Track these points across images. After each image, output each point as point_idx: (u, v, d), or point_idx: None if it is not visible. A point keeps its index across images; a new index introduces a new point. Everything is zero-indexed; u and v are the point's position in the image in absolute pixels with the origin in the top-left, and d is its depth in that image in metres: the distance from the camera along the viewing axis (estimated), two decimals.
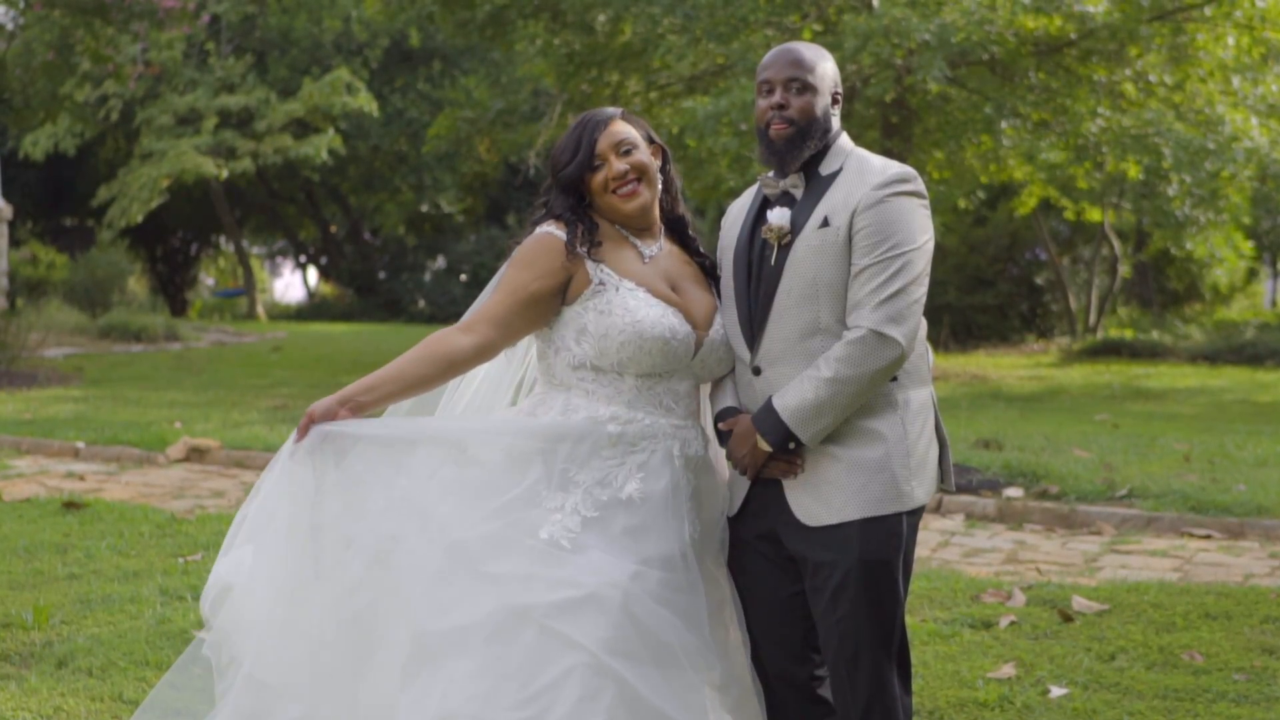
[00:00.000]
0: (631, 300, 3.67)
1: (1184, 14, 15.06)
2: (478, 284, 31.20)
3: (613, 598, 3.46)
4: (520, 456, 3.62)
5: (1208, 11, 15.05)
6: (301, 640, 3.61)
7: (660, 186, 3.83)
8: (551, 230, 3.71)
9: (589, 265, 3.69)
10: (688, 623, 3.56)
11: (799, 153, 3.68)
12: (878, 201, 3.58)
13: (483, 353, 3.68)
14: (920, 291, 3.58)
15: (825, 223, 3.62)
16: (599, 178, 3.73)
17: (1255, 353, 20.53)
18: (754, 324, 3.70)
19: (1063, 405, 15.26)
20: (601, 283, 3.68)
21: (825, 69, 3.72)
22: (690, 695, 3.50)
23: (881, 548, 3.60)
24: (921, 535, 8.04)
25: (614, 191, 3.73)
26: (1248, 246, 20.78)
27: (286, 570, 3.59)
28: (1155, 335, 22.10)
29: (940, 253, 21.31)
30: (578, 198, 3.75)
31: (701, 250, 3.93)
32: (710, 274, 3.90)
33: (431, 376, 3.65)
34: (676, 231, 3.91)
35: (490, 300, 3.70)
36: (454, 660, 3.43)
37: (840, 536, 3.59)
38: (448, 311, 32.17)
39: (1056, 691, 5.26)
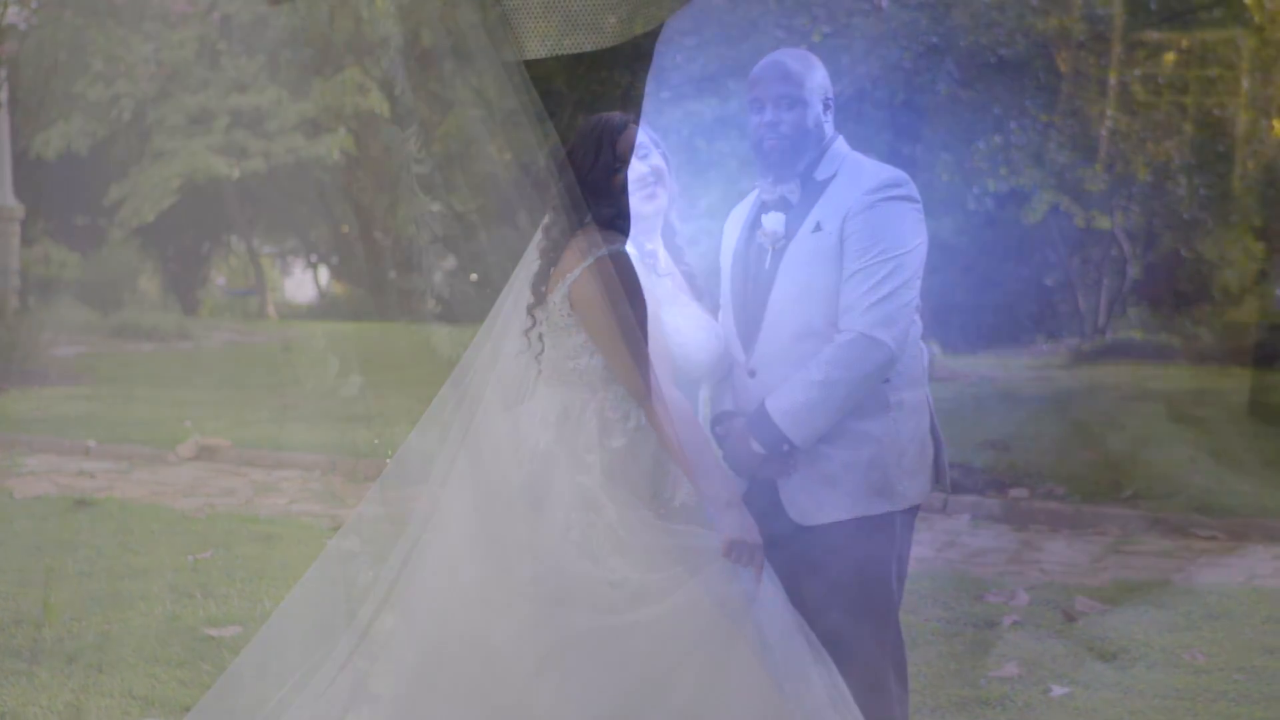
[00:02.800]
0: (681, 320, 3.71)
1: (1193, 15, 15.02)
2: (490, 285, 31.13)
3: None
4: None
5: (1216, 13, 15.01)
6: None
7: None
8: (623, 250, 3.62)
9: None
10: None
11: (794, 164, 3.74)
12: (868, 206, 3.62)
13: None
14: (911, 295, 3.61)
15: (818, 227, 3.66)
16: (618, 179, 3.73)
17: (1264, 354, 20.43)
18: (749, 327, 3.75)
19: (1071, 406, 15.23)
20: (658, 299, 3.70)
21: (814, 79, 3.75)
22: None
23: (874, 546, 3.64)
24: (926, 535, 8.05)
25: (634, 193, 3.74)
26: (1258, 248, 20.71)
27: None
28: (1164, 336, 22.02)
29: (949, 253, 21.19)
30: (613, 201, 3.68)
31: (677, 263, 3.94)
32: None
33: None
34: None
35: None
36: None
37: (833, 535, 3.63)
38: (459, 311, 32.14)
39: (1058, 691, 5.29)
